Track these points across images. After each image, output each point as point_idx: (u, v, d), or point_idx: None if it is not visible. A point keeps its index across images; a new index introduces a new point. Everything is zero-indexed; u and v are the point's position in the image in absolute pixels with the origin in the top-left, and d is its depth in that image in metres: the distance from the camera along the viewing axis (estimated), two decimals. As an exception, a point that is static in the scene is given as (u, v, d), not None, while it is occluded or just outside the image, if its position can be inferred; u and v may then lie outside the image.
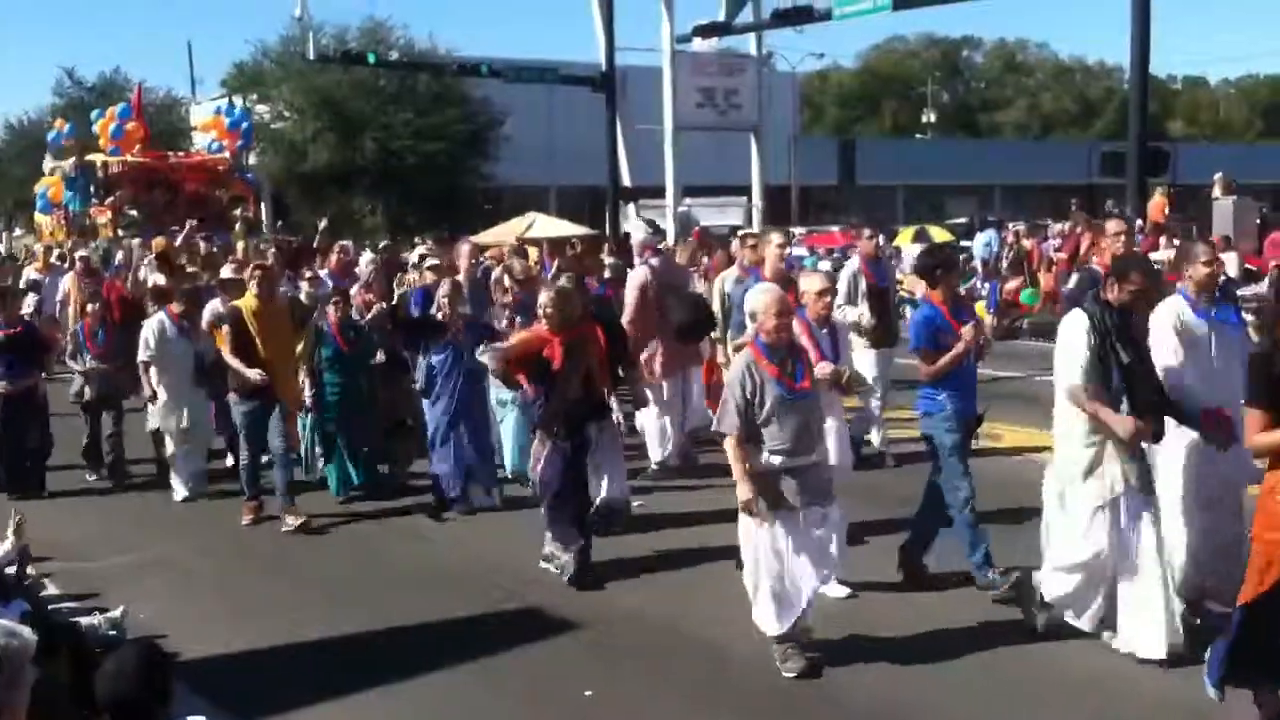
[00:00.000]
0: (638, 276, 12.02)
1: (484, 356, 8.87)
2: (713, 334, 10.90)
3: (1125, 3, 24.43)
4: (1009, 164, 63.81)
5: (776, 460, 6.57)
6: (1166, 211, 24.60)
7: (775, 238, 10.43)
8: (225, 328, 10.54)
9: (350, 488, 11.08)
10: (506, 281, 12.20)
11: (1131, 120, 26.19)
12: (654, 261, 12.34)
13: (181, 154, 33.56)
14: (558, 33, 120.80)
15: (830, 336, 8.28)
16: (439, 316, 10.44)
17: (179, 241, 18.95)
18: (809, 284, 8.39)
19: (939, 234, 34.52)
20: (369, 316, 11.72)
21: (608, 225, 34.57)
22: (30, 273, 18.14)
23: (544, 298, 8.42)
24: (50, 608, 7.43)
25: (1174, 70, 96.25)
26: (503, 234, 25.40)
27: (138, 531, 10.28)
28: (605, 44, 35.82)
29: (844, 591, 7.71)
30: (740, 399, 6.55)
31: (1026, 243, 24.57)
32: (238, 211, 27.82)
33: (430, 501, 10.53)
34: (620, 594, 8.17)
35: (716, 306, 10.98)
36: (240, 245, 17.95)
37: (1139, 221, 25.08)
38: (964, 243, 30.06)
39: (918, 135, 78.81)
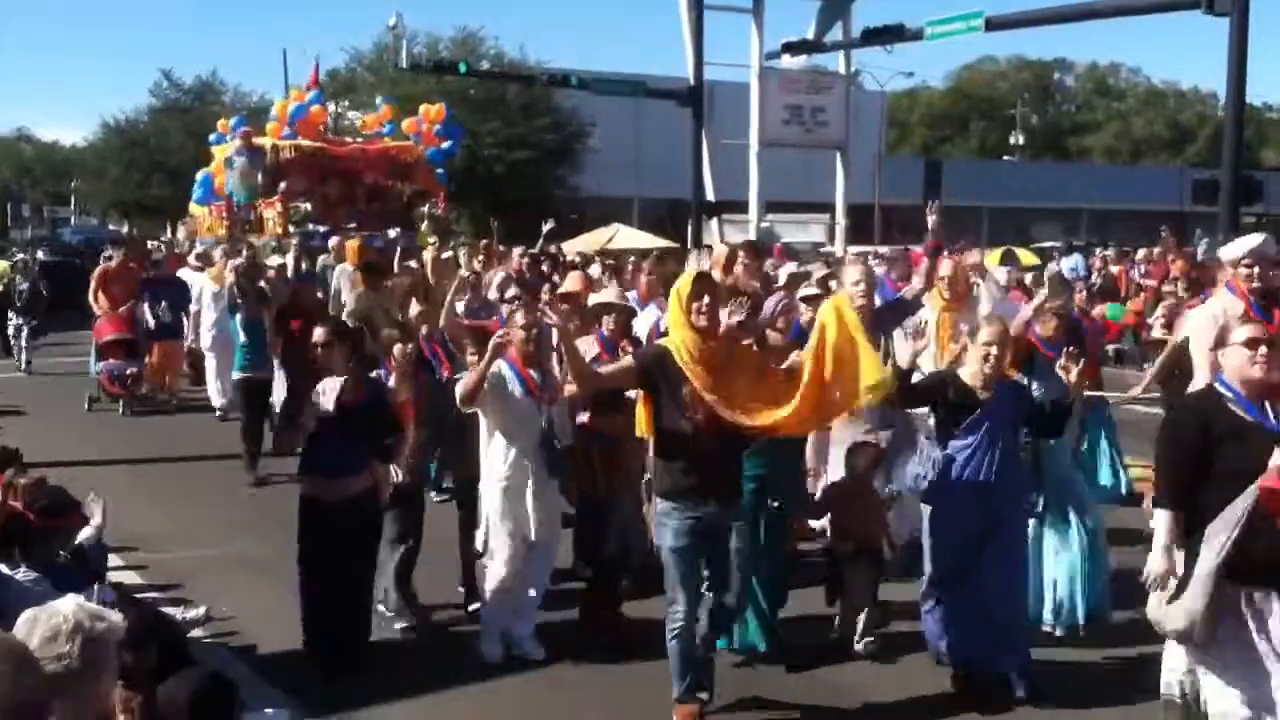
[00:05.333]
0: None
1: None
2: None
3: (1221, 30, 24.10)
4: (1097, 188, 62.96)
5: None
6: None
7: None
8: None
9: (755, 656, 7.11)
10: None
11: (1226, 148, 25.80)
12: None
13: (363, 140, 28.58)
14: (647, 47, 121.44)
15: None
16: (968, 379, 6.52)
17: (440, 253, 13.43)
18: None
19: (1026, 257, 34.16)
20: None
21: (689, 238, 34.59)
22: (206, 282, 15.34)
23: None
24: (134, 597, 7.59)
25: (1269, 98, 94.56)
26: (587, 244, 25.62)
27: (224, 525, 10.42)
28: (694, 59, 35.87)
29: None
30: None
31: (1114, 269, 24.29)
32: (424, 209, 24.12)
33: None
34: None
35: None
36: (428, 253, 13.45)
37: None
38: (1052, 266, 29.68)
39: (1006, 157, 78.05)
